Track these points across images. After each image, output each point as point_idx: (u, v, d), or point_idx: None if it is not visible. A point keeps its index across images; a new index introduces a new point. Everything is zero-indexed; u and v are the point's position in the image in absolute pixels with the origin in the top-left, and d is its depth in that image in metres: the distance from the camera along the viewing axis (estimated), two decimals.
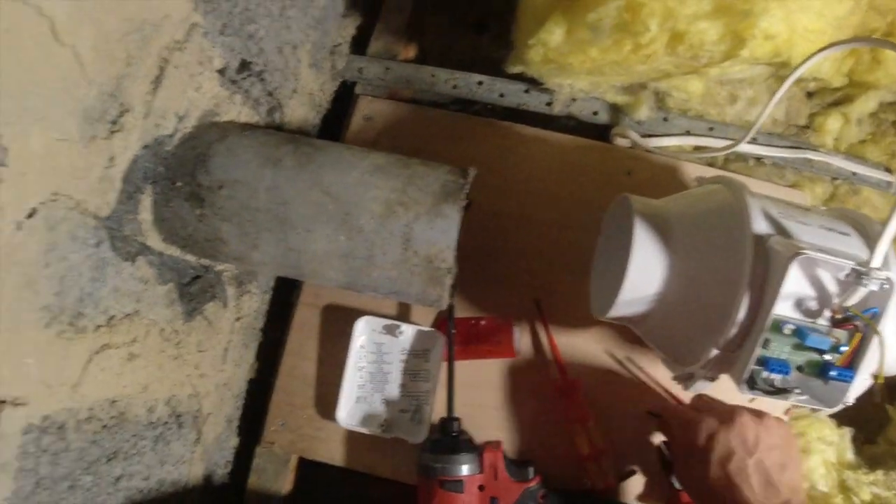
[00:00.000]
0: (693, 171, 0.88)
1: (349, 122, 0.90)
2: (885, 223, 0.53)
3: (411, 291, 0.63)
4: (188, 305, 0.68)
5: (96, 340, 0.54)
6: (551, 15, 0.74)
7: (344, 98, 0.95)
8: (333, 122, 0.95)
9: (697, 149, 0.90)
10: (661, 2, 0.72)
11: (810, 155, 0.92)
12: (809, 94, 0.97)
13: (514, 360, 0.78)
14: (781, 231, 0.58)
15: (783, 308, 0.55)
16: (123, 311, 0.57)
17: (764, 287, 0.54)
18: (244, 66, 0.71)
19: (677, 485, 0.76)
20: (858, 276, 0.53)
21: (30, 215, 0.45)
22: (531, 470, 0.74)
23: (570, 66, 0.77)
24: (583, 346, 0.81)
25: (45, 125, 0.45)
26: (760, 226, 0.57)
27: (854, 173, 0.95)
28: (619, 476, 0.78)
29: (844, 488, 0.87)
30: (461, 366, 0.77)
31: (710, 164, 0.92)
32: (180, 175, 0.62)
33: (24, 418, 0.48)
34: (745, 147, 0.89)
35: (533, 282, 0.82)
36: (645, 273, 0.61)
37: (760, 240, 0.56)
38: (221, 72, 0.66)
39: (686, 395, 0.75)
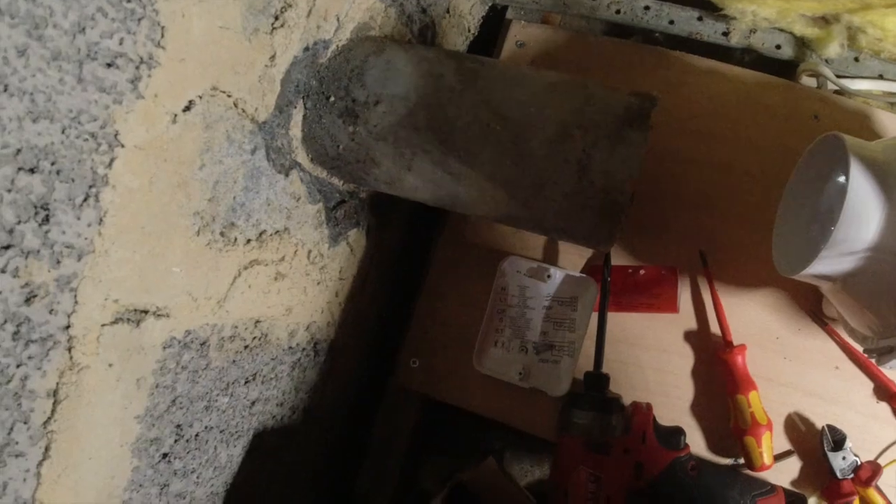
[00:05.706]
0: (889, 120, 0.76)
1: (500, 48, 0.83)
2: None
3: (579, 228, 0.56)
4: (334, 230, 0.64)
5: (246, 255, 0.51)
6: None
7: (491, 24, 0.88)
8: (479, 50, 0.89)
9: (890, 95, 0.77)
10: None
11: None
12: None
13: (672, 317, 0.70)
14: None
15: None
16: (274, 227, 0.54)
17: None
18: None
19: (838, 474, 0.67)
20: None
21: (187, 108, 0.41)
22: (682, 438, 0.66)
23: None
24: (750, 308, 0.72)
25: (206, 7, 0.40)
26: None
27: None
28: (776, 456, 0.69)
29: None
30: (611, 318, 0.70)
31: None
32: (334, 89, 0.57)
33: (166, 331, 0.45)
34: None
35: (698, 232, 0.73)
36: (857, 225, 0.51)
37: None
38: None
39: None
